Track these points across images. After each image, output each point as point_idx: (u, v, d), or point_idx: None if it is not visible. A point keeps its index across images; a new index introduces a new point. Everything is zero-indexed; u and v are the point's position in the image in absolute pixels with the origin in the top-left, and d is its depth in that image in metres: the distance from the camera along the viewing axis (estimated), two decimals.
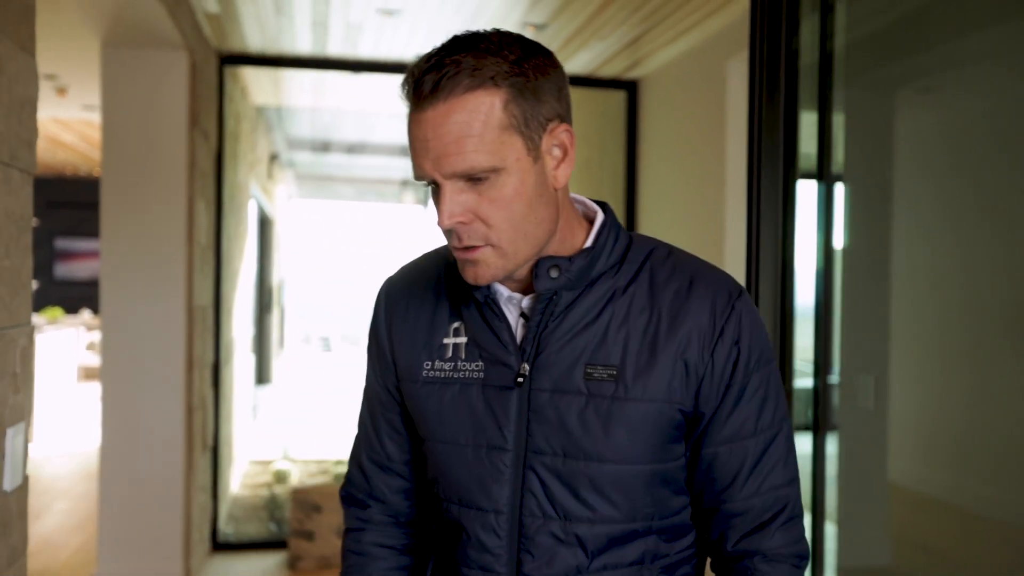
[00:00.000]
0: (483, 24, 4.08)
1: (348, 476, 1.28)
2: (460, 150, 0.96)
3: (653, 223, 4.96)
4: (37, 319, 10.88)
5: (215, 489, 4.79)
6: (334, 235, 20.47)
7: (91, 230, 11.60)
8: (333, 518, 4.42)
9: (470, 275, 1.04)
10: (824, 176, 2.43)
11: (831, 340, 2.60)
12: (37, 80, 1.72)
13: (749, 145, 2.07)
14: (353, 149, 10.48)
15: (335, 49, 4.60)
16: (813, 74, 2.40)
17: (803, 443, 2.56)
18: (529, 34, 4.21)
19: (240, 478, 6.12)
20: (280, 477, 5.82)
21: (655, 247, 1.12)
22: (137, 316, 3.97)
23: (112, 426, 4.00)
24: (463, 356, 1.10)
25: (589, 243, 1.08)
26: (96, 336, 11.15)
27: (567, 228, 1.08)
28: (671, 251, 1.12)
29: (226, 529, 5.02)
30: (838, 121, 2.81)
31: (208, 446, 4.65)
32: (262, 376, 10.51)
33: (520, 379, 1.06)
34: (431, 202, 1.04)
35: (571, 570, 1.06)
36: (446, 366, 1.11)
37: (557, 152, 1.03)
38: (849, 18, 2.58)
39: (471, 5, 3.83)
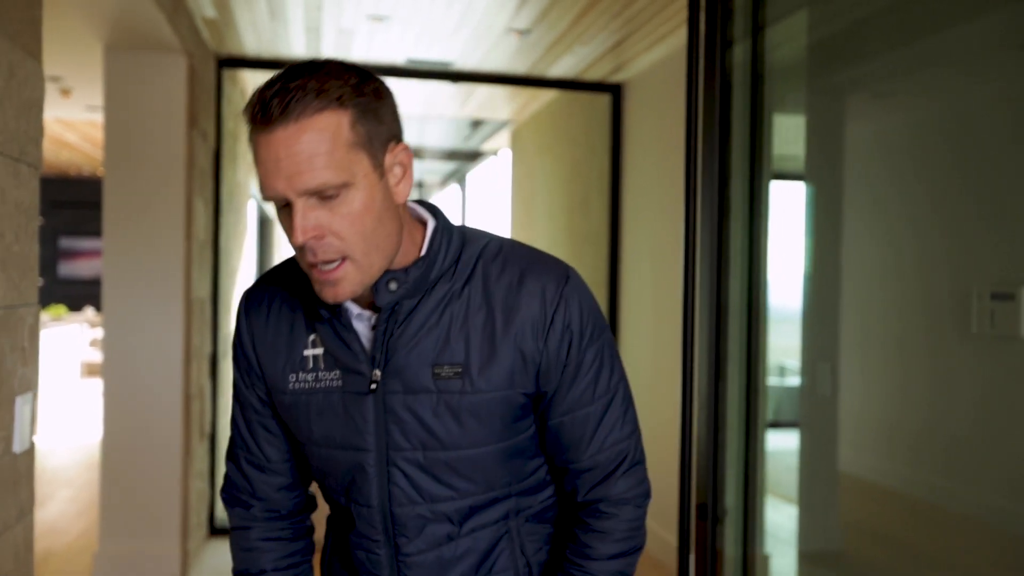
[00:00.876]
0: (469, 30, 4.26)
1: (227, 478, 1.33)
2: (312, 167, 1.00)
3: (638, 222, 5.13)
4: (41, 316, 11.05)
5: (212, 476, 4.96)
6: None
7: (94, 229, 11.80)
8: (324, 505, 4.58)
9: (329, 295, 1.08)
10: (755, 176, 2.57)
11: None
12: (43, 83, 1.90)
13: (687, 152, 2.22)
14: None
15: (328, 52, 4.78)
16: (745, 87, 2.55)
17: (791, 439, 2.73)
18: (514, 40, 4.38)
19: None
20: None
21: (487, 244, 1.18)
22: (137, 309, 4.15)
23: (113, 415, 4.18)
24: (322, 367, 1.16)
25: (423, 251, 1.15)
26: (99, 333, 11.33)
27: (408, 239, 1.15)
28: (501, 246, 1.18)
29: (223, 515, 5.20)
30: (798, 123, 2.98)
31: (206, 434, 4.82)
32: None
33: (373, 385, 1.13)
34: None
35: (442, 539, 1.18)
36: (308, 377, 1.17)
37: (398, 170, 1.09)
38: (798, 27, 2.75)
39: (457, 10, 4.00)
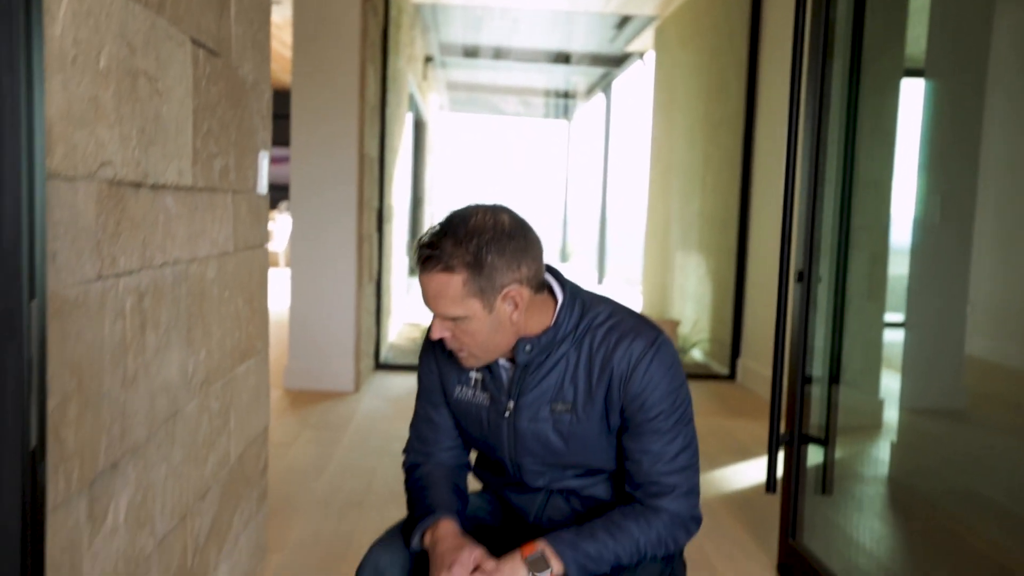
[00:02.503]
0: None
1: (408, 443, 1.74)
2: (438, 303, 1.44)
3: (772, 106, 5.36)
4: None
5: (378, 316, 5.67)
6: (479, 147, 21.26)
7: (281, 139, 12.75)
8: None
9: (461, 362, 1.55)
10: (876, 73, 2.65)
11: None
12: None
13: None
14: (499, 54, 11.12)
15: None
16: None
17: None
18: None
19: (395, 335, 7.04)
20: None
21: (598, 313, 1.55)
22: (318, 164, 4.81)
23: (299, 254, 4.90)
24: (479, 388, 1.62)
25: (552, 322, 1.53)
26: (279, 223, 12.43)
27: (535, 318, 1.52)
28: (611, 314, 1.55)
29: (387, 353, 5.92)
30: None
31: (373, 278, 5.51)
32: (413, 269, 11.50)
33: (507, 413, 1.58)
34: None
35: (552, 482, 1.67)
36: (468, 393, 1.63)
37: (509, 306, 1.46)
38: None
39: None
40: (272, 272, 11.24)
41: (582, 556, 1.43)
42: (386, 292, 6.07)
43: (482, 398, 1.62)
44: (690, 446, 1.56)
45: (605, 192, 13.31)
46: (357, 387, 5.02)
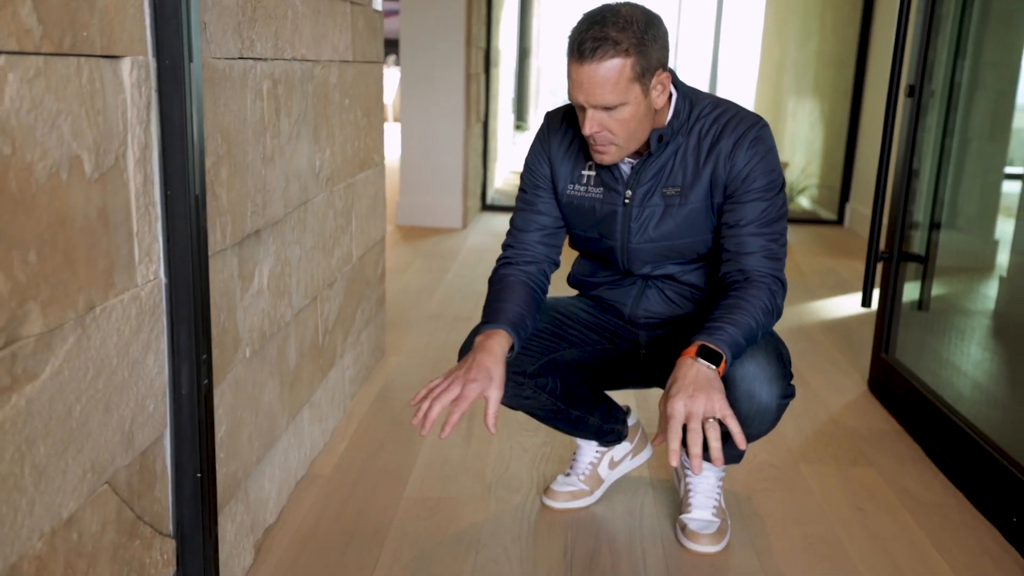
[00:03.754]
0: None
1: (507, 236, 1.82)
2: (603, 92, 1.50)
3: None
4: None
5: (485, 157, 5.80)
6: None
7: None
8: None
9: (597, 160, 1.63)
10: None
11: None
12: None
13: None
14: None
15: None
16: None
17: None
18: None
19: (501, 181, 7.17)
20: None
21: (704, 106, 1.65)
22: (426, 2, 4.85)
23: (409, 94, 5.01)
24: (592, 184, 1.72)
25: (669, 119, 1.63)
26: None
27: (662, 114, 1.63)
28: (716, 106, 1.65)
29: (494, 195, 6.08)
30: None
31: (480, 119, 5.61)
32: (519, 124, 11.48)
33: (626, 200, 1.69)
34: None
35: (652, 268, 1.77)
36: (581, 188, 1.72)
37: (659, 88, 1.56)
38: None
39: None
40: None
41: (730, 340, 1.53)
42: (492, 137, 6.17)
43: (596, 192, 1.73)
44: (782, 219, 1.67)
45: (717, 42, 12.85)
46: (465, 224, 5.21)
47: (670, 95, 1.65)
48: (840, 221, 5.75)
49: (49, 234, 0.99)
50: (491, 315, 1.65)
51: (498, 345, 1.58)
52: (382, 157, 2.76)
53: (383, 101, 2.71)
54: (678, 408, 1.44)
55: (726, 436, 1.48)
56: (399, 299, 3.65)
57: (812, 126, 6.56)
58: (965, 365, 2.62)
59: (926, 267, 2.64)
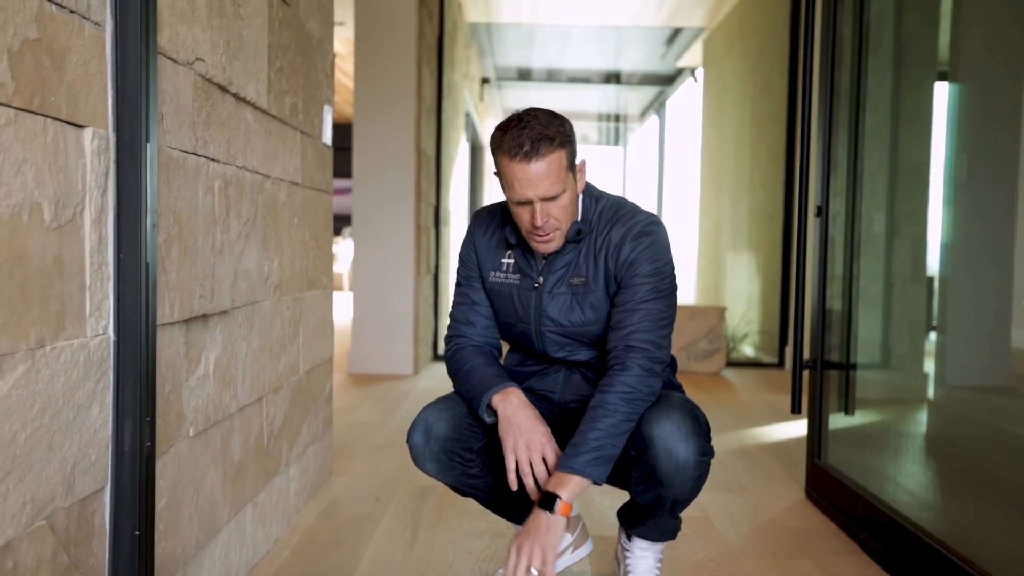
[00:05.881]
0: None
1: (449, 329, 1.98)
2: (549, 183, 1.67)
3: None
4: None
5: (436, 305, 5.96)
6: None
7: (344, 171, 13.27)
8: None
9: (543, 249, 1.78)
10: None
11: None
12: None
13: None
14: (552, 76, 11.47)
15: None
16: None
17: None
18: None
19: None
20: None
21: (605, 205, 1.83)
22: (377, 160, 5.14)
23: (361, 244, 5.22)
24: (511, 271, 1.88)
25: (579, 217, 1.82)
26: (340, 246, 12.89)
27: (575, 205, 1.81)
28: (614, 204, 1.84)
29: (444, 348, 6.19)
30: None
31: (431, 270, 5.81)
32: None
33: (536, 286, 1.85)
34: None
35: (570, 354, 1.91)
36: (501, 275, 1.89)
37: (580, 175, 1.77)
38: None
39: None
40: (336, 295, 11.65)
41: (585, 459, 1.66)
42: (443, 291, 6.36)
43: (514, 278, 1.88)
44: (668, 298, 1.80)
45: (660, 204, 13.52)
46: (416, 371, 5.30)
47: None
48: (781, 364, 5.95)
49: (8, 266, 1.09)
50: (487, 380, 1.83)
51: (521, 395, 1.82)
52: (330, 281, 2.89)
53: (331, 230, 2.87)
54: (512, 553, 1.68)
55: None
56: (349, 431, 3.68)
57: (750, 277, 6.88)
58: (892, 462, 2.71)
59: (847, 373, 2.78)
